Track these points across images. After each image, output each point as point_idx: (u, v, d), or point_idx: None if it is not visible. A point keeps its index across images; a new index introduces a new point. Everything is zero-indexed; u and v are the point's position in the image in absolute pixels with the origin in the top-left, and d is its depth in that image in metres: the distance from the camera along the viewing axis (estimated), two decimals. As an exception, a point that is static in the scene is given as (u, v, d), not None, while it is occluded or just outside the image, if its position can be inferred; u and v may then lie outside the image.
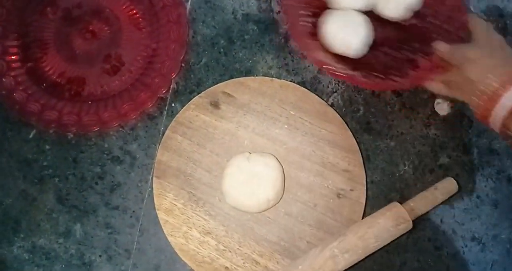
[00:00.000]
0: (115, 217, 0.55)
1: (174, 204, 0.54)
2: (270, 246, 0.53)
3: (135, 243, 0.55)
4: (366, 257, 0.50)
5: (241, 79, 0.57)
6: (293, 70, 0.59)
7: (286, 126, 0.56)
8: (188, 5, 0.60)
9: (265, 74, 0.58)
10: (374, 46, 0.56)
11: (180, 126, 0.56)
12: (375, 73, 0.56)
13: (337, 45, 0.55)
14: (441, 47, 0.53)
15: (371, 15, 0.57)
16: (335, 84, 0.59)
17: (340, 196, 0.54)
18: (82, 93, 0.58)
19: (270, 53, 0.59)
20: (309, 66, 0.59)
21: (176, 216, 0.54)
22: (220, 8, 0.60)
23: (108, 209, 0.56)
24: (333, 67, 0.54)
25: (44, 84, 0.58)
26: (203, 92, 0.56)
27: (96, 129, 0.56)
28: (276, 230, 0.54)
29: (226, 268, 0.53)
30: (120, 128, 0.57)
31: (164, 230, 0.53)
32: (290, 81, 0.58)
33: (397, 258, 0.55)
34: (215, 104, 0.56)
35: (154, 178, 0.54)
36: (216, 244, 0.53)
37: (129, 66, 0.58)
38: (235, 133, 0.56)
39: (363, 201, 0.54)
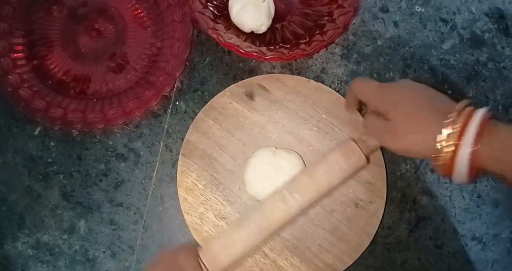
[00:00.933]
0: (119, 213, 0.56)
1: (196, 184, 0.55)
2: (282, 242, 0.54)
3: (138, 240, 0.55)
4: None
5: (279, 75, 0.58)
6: (296, 69, 0.59)
7: (315, 128, 0.56)
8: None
9: (268, 74, 0.59)
10: (279, 17, 0.58)
11: (213, 110, 0.57)
12: (282, 45, 0.56)
13: (242, 24, 0.56)
14: (361, 86, 0.48)
15: None
16: (338, 84, 0.59)
17: (358, 206, 0.54)
18: (87, 91, 0.59)
19: (273, 52, 0.60)
20: (312, 66, 0.59)
21: (195, 196, 0.55)
22: (225, 8, 0.61)
23: (112, 205, 0.56)
24: (238, 45, 0.55)
25: (50, 82, 0.59)
26: (240, 82, 0.57)
27: (100, 126, 0.56)
28: (290, 228, 0.54)
29: None
30: (125, 126, 0.58)
31: (181, 207, 0.54)
32: (294, 80, 0.59)
33: (398, 256, 0.55)
34: (250, 95, 0.57)
35: (180, 155, 0.55)
36: None
37: (134, 64, 0.59)
38: (265, 126, 0.56)
39: (380, 215, 0.54)
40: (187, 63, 0.59)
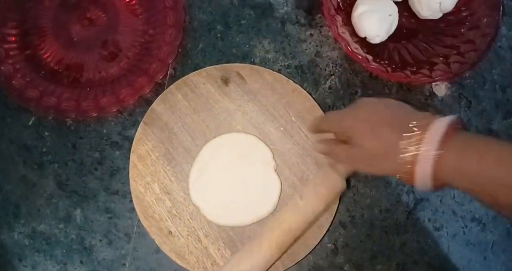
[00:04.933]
0: (115, 201, 0.56)
1: (149, 154, 0.55)
2: (219, 231, 0.54)
3: (135, 227, 0.55)
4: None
5: (260, 68, 0.57)
6: (290, 54, 0.59)
7: (282, 129, 0.56)
8: (185, -9, 0.60)
9: (262, 59, 0.58)
10: (395, 37, 0.57)
11: (185, 86, 0.56)
12: (388, 63, 0.56)
13: (359, 26, 0.56)
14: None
15: (403, 5, 0.58)
16: (332, 67, 0.59)
17: None
18: (80, 80, 0.58)
19: (267, 37, 0.59)
20: (306, 49, 0.59)
21: (145, 165, 0.55)
22: (217, -6, 0.60)
23: (107, 194, 0.56)
24: (348, 43, 0.55)
25: (43, 71, 0.58)
26: (219, 65, 0.57)
27: (94, 115, 0.56)
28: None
29: (170, 232, 0.53)
30: (119, 114, 0.57)
31: (130, 173, 0.54)
32: (287, 65, 0.58)
33: (397, 238, 0.55)
34: (226, 81, 0.56)
35: (141, 122, 0.55)
36: (170, 207, 0.54)
37: (126, 52, 0.59)
38: (232, 114, 0.56)
39: (324, 230, 0.53)
40: (179, 50, 0.58)
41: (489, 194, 0.38)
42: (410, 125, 0.40)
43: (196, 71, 0.57)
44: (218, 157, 0.54)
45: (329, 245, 0.55)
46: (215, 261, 0.53)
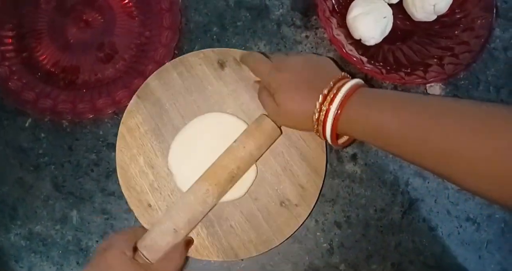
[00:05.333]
0: (111, 203, 0.56)
1: (138, 127, 0.56)
2: None
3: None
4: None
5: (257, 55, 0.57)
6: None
7: None
8: (181, -7, 0.60)
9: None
10: (390, 39, 0.58)
11: (181, 65, 0.57)
12: (383, 64, 0.56)
13: (354, 28, 0.56)
14: (256, 64, 0.53)
15: (397, 7, 0.58)
16: (327, 68, 0.59)
17: (283, 205, 0.54)
18: (76, 82, 0.59)
19: (262, 39, 0.60)
20: (301, 51, 0.59)
21: (133, 137, 0.55)
22: (212, -4, 0.61)
23: (104, 195, 0.56)
24: (343, 45, 0.55)
25: (39, 73, 0.59)
26: (217, 49, 0.57)
27: (90, 116, 0.56)
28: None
29: (149, 205, 0.54)
30: (115, 116, 0.57)
31: (117, 143, 0.55)
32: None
33: (392, 238, 0.55)
34: (222, 64, 0.57)
35: (135, 95, 0.56)
36: (152, 180, 0.55)
37: (122, 54, 0.59)
38: (224, 98, 0.56)
39: (301, 220, 0.53)
40: (176, 52, 0.58)
41: (381, 144, 0.45)
42: (324, 89, 0.45)
43: (194, 52, 0.57)
44: (204, 132, 0.55)
45: (325, 245, 0.55)
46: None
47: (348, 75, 0.49)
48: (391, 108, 0.42)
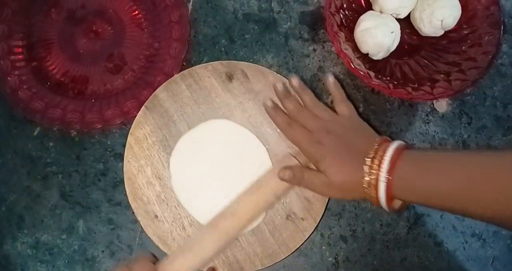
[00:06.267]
0: (118, 213, 0.56)
1: (146, 138, 0.56)
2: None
3: (137, 239, 0.55)
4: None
5: (265, 69, 0.58)
6: (293, 68, 0.59)
7: (278, 131, 0.56)
8: (190, 6, 0.61)
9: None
10: (397, 53, 0.58)
11: (190, 77, 0.57)
12: (390, 79, 0.57)
13: (361, 42, 0.56)
14: (297, 137, 0.51)
15: (405, 22, 0.59)
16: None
17: (289, 218, 0.54)
18: (85, 92, 0.59)
19: (270, 52, 0.60)
20: (309, 64, 0.60)
21: (141, 148, 0.56)
22: (221, 8, 0.61)
23: (110, 205, 0.56)
24: (351, 59, 0.55)
25: (48, 83, 0.59)
26: (225, 61, 0.58)
27: (99, 126, 0.56)
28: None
29: (156, 216, 0.54)
30: (123, 126, 0.58)
31: (125, 154, 0.55)
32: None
33: (397, 253, 0.55)
34: (229, 77, 0.57)
35: (143, 106, 0.56)
36: (159, 192, 0.55)
37: (131, 65, 0.59)
38: (232, 111, 0.57)
39: (307, 234, 0.53)
40: (184, 63, 0.59)
41: (438, 205, 0.44)
42: (367, 154, 0.45)
43: (202, 64, 0.58)
44: (207, 138, 0.56)
45: (330, 259, 0.55)
46: None
47: (388, 138, 0.49)
48: (440, 172, 0.43)
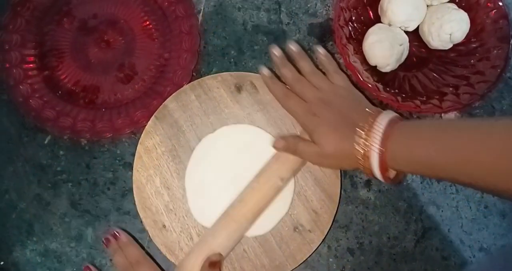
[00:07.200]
0: (126, 222, 0.56)
1: (156, 147, 0.56)
2: None
3: (145, 248, 0.56)
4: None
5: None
6: (302, 80, 0.60)
7: None
8: (200, 17, 0.62)
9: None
10: (406, 66, 0.58)
11: (199, 88, 0.58)
12: (398, 91, 0.57)
13: (370, 55, 0.57)
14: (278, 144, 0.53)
15: (413, 34, 0.59)
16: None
17: (297, 230, 0.54)
18: (96, 101, 0.60)
19: (279, 63, 0.60)
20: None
21: (150, 158, 0.56)
22: (231, 20, 0.62)
23: (119, 214, 0.57)
24: (360, 71, 0.56)
25: (60, 92, 0.60)
26: (234, 73, 0.58)
27: (109, 136, 0.57)
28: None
29: (164, 226, 0.55)
30: (132, 135, 0.58)
31: (134, 163, 0.56)
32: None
33: (405, 266, 0.55)
34: (238, 88, 0.58)
35: (153, 116, 0.57)
36: (168, 201, 0.55)
37: (142, 75, 0.60)
38: (241, 122, 0.57)
39: (315, 247, 0.54)
40: (194, 74, 0.59)
41: (433, 173, 0.45)
42: (359, 124, 0.46)
43: (212, 75, 0.58)
44: (222, 147, 0.57)
45: (337, 271, 0.55)
46: None
47: (380, 109, 0.49)
48: (432, 139, 0.43)
